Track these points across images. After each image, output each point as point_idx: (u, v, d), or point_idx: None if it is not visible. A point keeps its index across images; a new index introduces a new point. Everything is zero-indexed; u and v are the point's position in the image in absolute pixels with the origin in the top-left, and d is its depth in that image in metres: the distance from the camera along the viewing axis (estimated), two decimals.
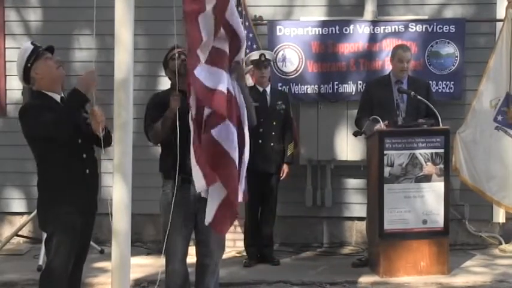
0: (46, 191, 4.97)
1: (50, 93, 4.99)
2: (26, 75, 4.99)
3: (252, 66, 7.66)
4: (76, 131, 4.89)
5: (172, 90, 5.27)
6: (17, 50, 8.23)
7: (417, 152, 7.16)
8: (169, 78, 5.62)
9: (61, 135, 4.81)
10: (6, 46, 8.71)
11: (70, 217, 4.87)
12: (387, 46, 8.26)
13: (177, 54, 5.34)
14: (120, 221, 4.00)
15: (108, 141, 4.80)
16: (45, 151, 4.93)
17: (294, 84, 8.33)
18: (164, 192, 5.42)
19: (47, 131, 4.81)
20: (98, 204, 5.15)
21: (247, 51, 7.90)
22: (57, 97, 5.02)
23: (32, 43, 5.09)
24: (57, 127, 4.78)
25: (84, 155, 4.96)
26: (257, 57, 7.62)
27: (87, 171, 4.98)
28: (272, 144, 7.63)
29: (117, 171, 4.01)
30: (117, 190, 4.00)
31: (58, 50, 5.22)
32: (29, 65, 4.96)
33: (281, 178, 7.75)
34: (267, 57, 7.64)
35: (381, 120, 7.18)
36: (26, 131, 4.94)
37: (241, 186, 4.52)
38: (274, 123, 7.65)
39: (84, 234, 5.07)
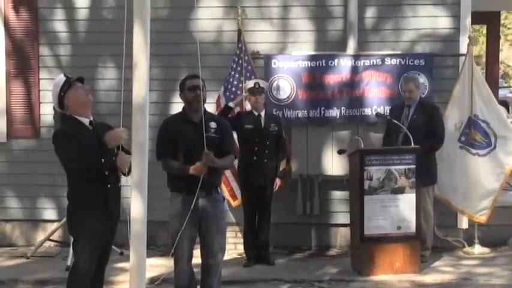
0: (74, 202, 4.97)
1: (80, 118, 4.99)
2: (61, 102, 4.99)
3: (248, 93, 7.67)
4: (99, 154, 4.87)
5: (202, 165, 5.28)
6: (50, 80, 8.34)
7: (392, 167, 7.17)
8: (182, 100, 5.62)
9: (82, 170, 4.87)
10: (40, 77, 8.71)
11: (93, 225, 4.86)
12: (367, 77, 8.28)
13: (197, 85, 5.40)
14: (137, 228, 3.99)
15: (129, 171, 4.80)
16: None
17: (287, 109, 8.32)
18: (172, 203, 5.42)
19: (72, 166, 4.89)
20: (120, 213, 5.14)
21: (247, 81, 7.92)
22: (86, 121, 5.01)
23: (64, 75, 5.11)
24: (79, 162, 4.84)
25: (107, 172, 4.93)
26: (252, 85, 7.63)
27: (109, 185, 4.95)
28: (266, 160, 7.61)
29: (134, 186, 4.00)
30: (135, 202, 3.99)
31: (85, 80, 5.20)
32: (62, 93, 4.97)
33: (274, 190, 7.73)
34: (261, 85, 7.64)
35: (361, 140, 7.24)
36: (57, 155, 4.94)
37: None
38: (268, 142, 7.62)
39: (107, 240, 5.05)
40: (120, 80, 8.14)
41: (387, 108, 8.11)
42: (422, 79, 8.15)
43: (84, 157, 4.81)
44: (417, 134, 7.31)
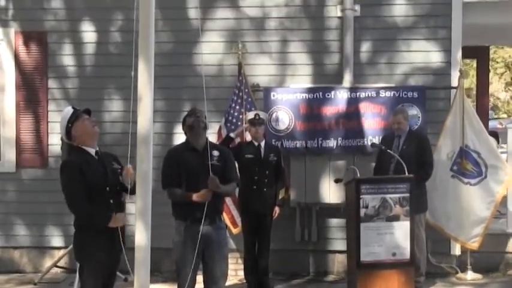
0: (80, 230, 4.97)
1: (86, 148, 5.00)
2: (68, 133, 5.01)
3: (248, 124, 7.70)
4: (105, 181, 4.88)
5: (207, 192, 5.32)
6: (58, 112, 8.37)
7: (387, 196, 7.13)
8: (185, 133, 5.66)
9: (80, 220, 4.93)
10: (48, 109, 8.74)
11: (99, 253, 4.85)
12: (362, 108, 8.29)
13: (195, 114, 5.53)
14: (141, 255, 3.98)
15: (134, 190, 4.79)
16: None
17: (285, 140, 8.34)
18: (176, 231, 5.41)
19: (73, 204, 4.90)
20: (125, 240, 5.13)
21: (247, 112, 7.95)
22: (93, 151, 5.02)
23: (72, 107, 5.13)
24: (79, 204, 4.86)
25: (111, 201, 4.94)
26: (252, 116, 7.65)
27: (114, 214, 4.95)
28: (265, 189, 7.59)
29: (138, 214, 4.01)
30: (139, 230, 3.99)
31: (91, 112, 5.23)
32: (70, 125, 4.98)
33: (274, 218, 7.70)
34: (261, 116, 7.66)
35: (357, 170, 7.25)
36: (62, 189, 4.95)
37: None
38: (267, 172, 7.62)
39: (112, 267, 5.03)
40: (125, 112, 8.20)
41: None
42: (415, 111, 8.19)
43: (84, 208, 4.84)
44: (407, 163, 7.29)
